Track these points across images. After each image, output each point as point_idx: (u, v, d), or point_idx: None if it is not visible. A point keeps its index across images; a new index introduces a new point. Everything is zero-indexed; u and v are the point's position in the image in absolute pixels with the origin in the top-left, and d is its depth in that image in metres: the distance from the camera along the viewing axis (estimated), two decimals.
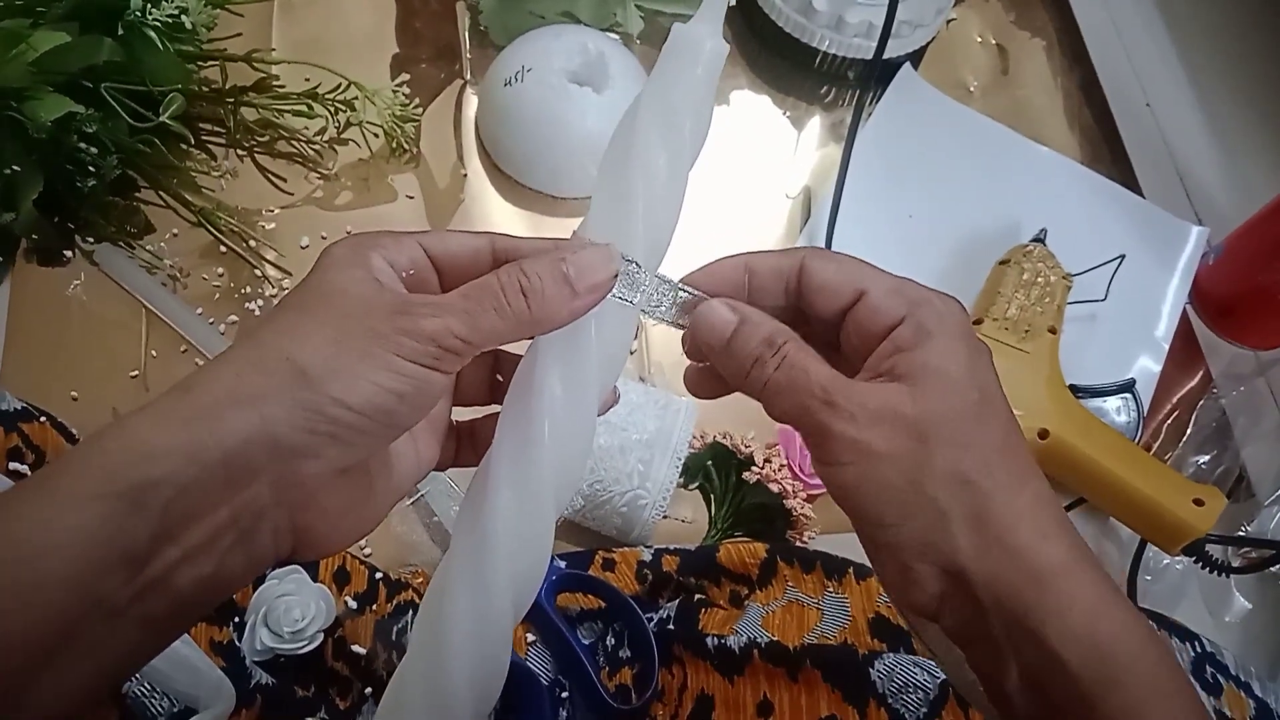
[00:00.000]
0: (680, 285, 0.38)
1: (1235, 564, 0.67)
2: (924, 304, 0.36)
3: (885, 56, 0.80)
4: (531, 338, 0.36)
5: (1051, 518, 0.34)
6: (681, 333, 0.39)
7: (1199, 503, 0.64)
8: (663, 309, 0.38)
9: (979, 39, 0.91)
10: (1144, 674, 0.32)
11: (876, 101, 0.84)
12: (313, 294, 0.33)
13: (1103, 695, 0.32)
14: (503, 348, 0.38)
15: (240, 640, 0.55)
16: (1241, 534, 0.71)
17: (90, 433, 0.30)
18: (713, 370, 0.40)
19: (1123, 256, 0.76)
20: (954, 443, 0.34)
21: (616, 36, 0.83)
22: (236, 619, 0.56)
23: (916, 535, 0.34)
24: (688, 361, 0.40)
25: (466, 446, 0.41)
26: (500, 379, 0.41)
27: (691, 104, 0.37)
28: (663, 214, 0.37)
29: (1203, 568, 0.66)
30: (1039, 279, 0.72)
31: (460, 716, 0.36)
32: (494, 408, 0.39)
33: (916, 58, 0.86)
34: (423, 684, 0.36)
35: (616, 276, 0.35)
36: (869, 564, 0.58)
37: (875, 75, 0.81)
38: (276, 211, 0.76)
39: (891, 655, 0.52)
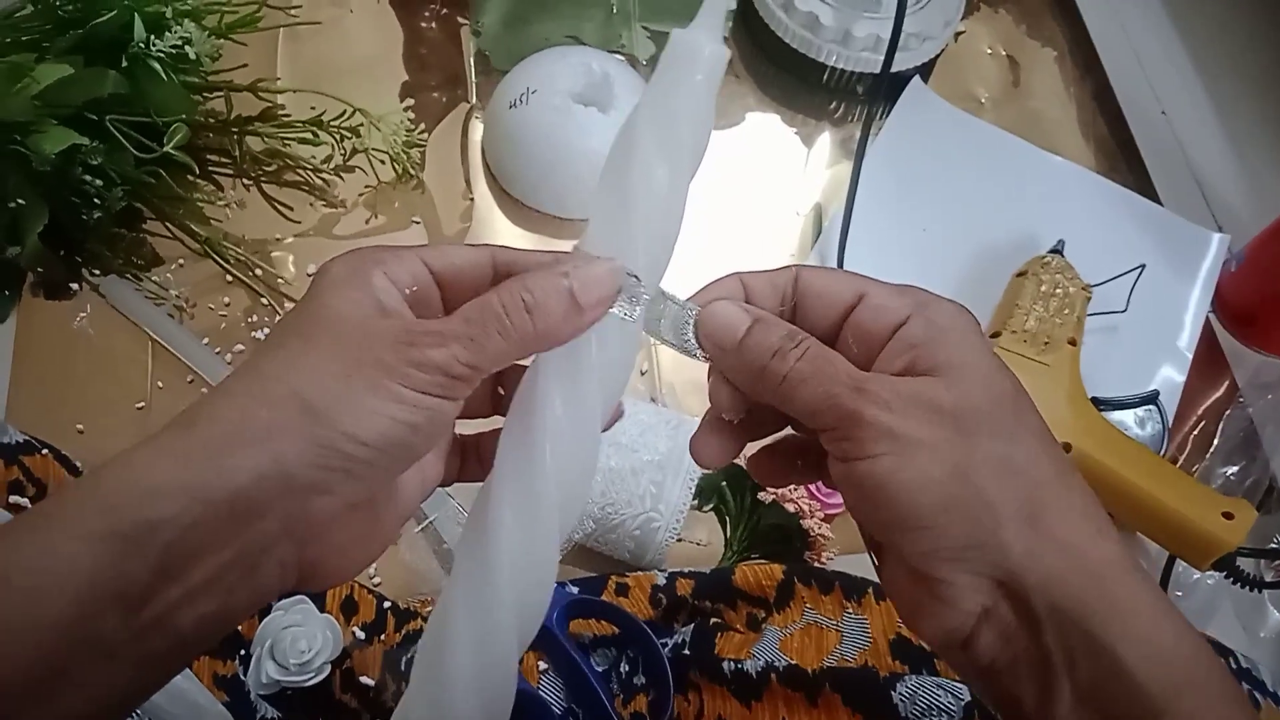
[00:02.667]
0: (681, 301, 0.37)
1: (1268, 578, 0.66)
2: (930, 303, 0.34)
3: (894, 70, 0.79)
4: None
5: (1101, 513, 0.32)
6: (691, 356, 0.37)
7: (1228, 516, 0.62)
8: (663, 326, 0.37)
9: (989, 51, 0.91)
10: (1203, 682, 0.30)
11: (886, 116, 0.83)
12: (313, 319, 0.32)
13: (1168, 708, 0.29)
14: None
15: (245, 673, 0.54)
16: (1274, 546, 0.69)
17: (94, 466, 0.30)
18: (728, 430, 0.38)
19: (1143, 266, 0.74)
20: (998, 432, 0.31)
21: (621, 57, 0.83)
22: (242, 651, 0.55)
23: (959, 536, 0.31)
24: (699, 380, 0.39)
25: (473, 461, 0.41)
26: (502, 391, 0.40)
27: (692, 112, 0.35)
28: (664, 227, 0.36)
29: (1234, 583, 0.64)
30: (1057, 290, 0.71)
31: None
32: (498, 420, 0.38)
33: (926, 71, 0.86)
34: (427, 712, 0.35)
35: (620, 290, 0.34)
36: None
37: (884, 89, 0.81)
38: (284, 241, 0.76)
39: (914, 677, 0.50)
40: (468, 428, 0.40)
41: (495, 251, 0.36)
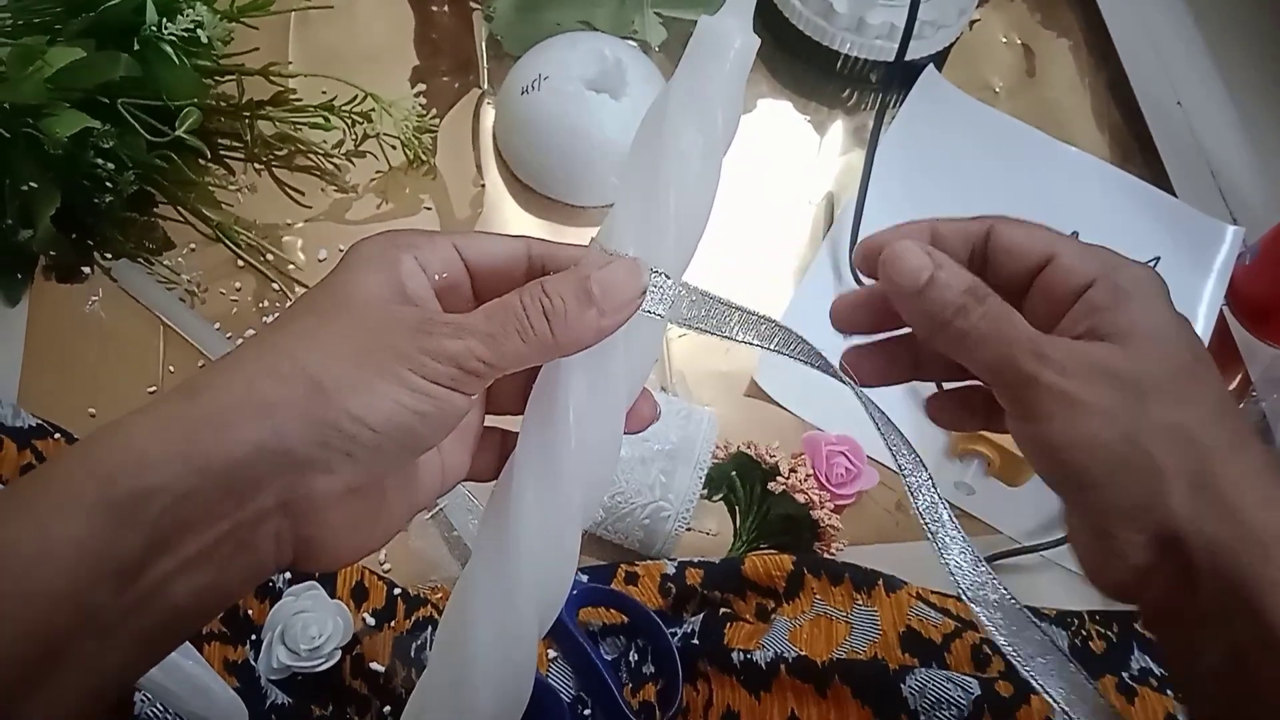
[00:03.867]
0: (708, 294, 0.36)
1: None
2: (1119, 267, 0.35)
3: (908, 58, 0.79)
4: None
5: (1274, 482, 0.33)
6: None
7: None
8: (694, 320, 0.36)
9: (1004, 39, 0.90)
10: None
11: (900, 104, 0.82)
12: (332, 297, 0.32)
13: None
14: None
15: (256, 660, 0.54)
16: None
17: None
18: (879, 350, 0.40)
19: (1157, 258, 0.74)
20: (1172, 398, 0.33)
21: (634, 43, 0.82)
22: (253, 637, 0.55)
23: (1128, 496, 0.32)
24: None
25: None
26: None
27: (724, 98, 0.35)
28: (695, 214, 0.35)
29: None
30: None
31: None
32: None
33: (940, 59, 0.85)
34: (445, 695, 0.35)
35: (645, 293, 0.34)
36: (900, 576, 0.57)
37: (898, 78, 0.80)
38: (295, 226, 0.75)
39: (923, 670, 0.50)
40: (514, 425, 0.39)
41: (531, 244, 0.36)
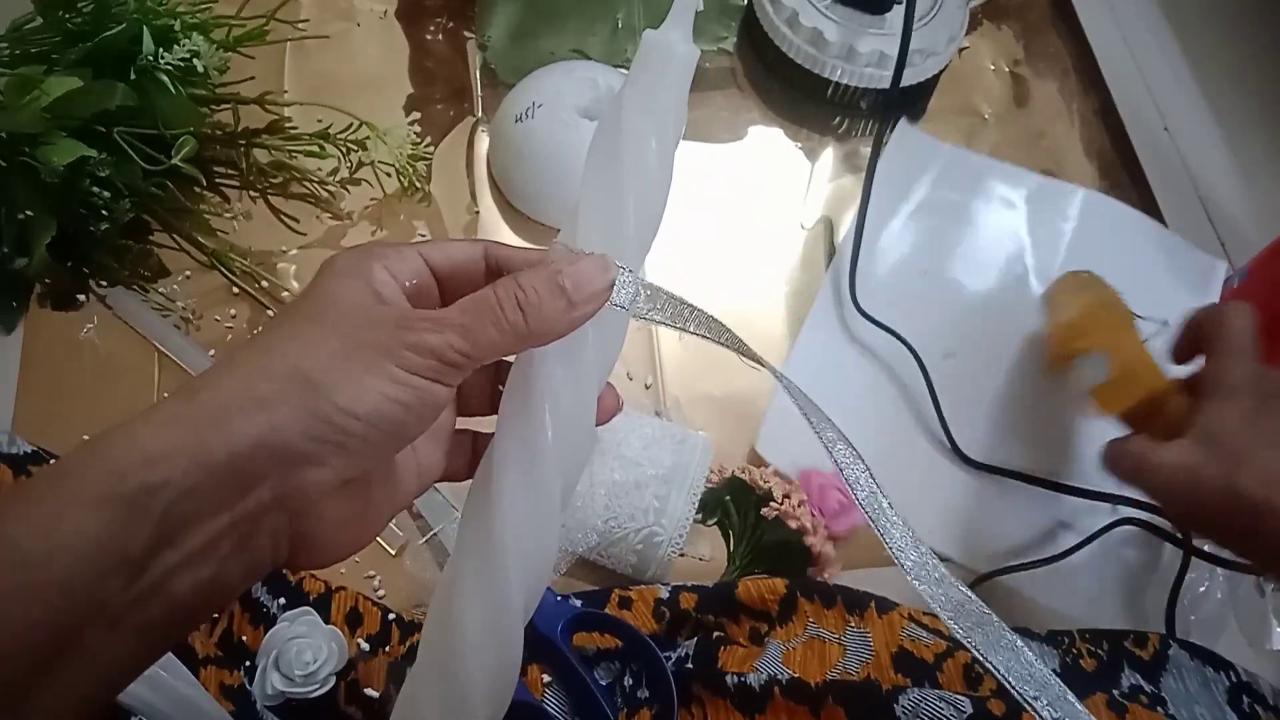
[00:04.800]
0: (662, 289, 0.38)
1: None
2: None
3: (899, 85, 0.79)
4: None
5: None
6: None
7: None
8: (652, 312, 0.38)
9: (992, 67, 0.91)
10: None
11: (894, 129, 0.83)
12: (316, 303, 0.34)
13: None
14: (505, 359, 0.39)
15: (251, 684, 0.54)
16: None
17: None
18: None
19: (1165, 322, 0.74)
20: None
21: (627, 71, 0.83)
22: (247, 662, 0.55)
23: None
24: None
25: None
26: (503, 389, 0.40)
27: (672, 102, 0.38)
28: (652, 211, 0.38)
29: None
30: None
31: (475, 709, 0.36)
32: None
33: (929, 86, 0.86)
34: (437, 674, 0.36)
35: (613, 285, 0.36)
36: (890, 598, 0.58)
37: (889, 104, 0.81)
38: (290, 253, 0.76)
39: (916, 690, 0.50)
40: (486, 425, 0.41)
41: (488, 246, 0.38)
